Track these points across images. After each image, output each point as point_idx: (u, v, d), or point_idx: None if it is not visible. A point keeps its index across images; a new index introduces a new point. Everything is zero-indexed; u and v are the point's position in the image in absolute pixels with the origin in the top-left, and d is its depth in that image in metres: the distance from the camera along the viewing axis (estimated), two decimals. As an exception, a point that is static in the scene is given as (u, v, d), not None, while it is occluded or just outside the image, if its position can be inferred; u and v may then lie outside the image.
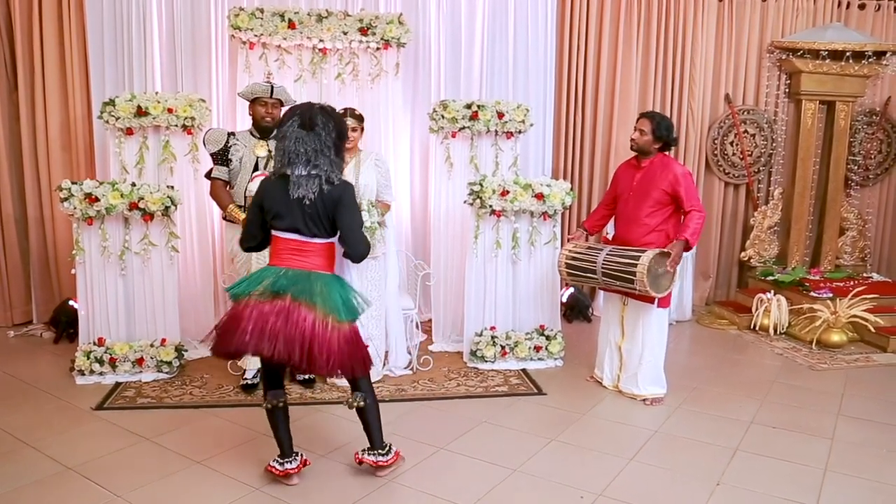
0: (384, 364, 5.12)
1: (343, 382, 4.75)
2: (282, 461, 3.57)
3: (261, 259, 4.62)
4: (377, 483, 3.61)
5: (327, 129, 3.43)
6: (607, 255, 4.62)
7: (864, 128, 7.73)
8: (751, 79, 7.45)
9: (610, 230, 5.18)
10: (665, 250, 4.49)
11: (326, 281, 3.42)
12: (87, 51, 5.89)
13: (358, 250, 3.47)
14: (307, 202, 3.38)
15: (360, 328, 3.58)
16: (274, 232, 3.49)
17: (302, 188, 3.38)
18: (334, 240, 3.52)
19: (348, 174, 4.69)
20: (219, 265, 6.02)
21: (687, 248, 4.56)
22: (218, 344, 3.41)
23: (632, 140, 4.72)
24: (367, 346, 3.57)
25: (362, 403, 3.59)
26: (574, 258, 4.79)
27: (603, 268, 4.61)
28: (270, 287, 3.35)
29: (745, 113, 7.39)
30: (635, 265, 4.41)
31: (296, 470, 3.58)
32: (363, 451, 3.70)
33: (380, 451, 3.66)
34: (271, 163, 4.69)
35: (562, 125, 7.00)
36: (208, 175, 4.87)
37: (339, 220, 3.44)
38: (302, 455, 3.64)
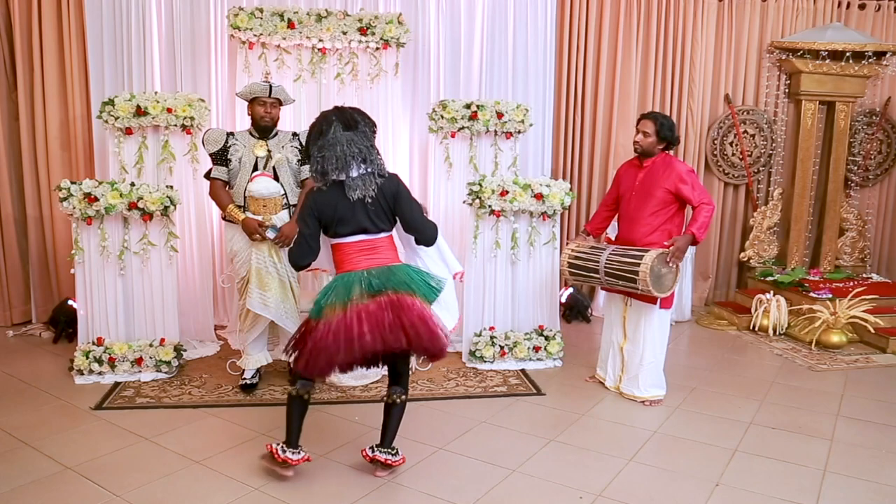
0: (382, 365, 5.10)
1: (343, 382, 4.78)
2: (285, 448, 3.56)
3: (260, 260, 4.62)
4: (376, 483, 3.61)
5: (370, 126, 3.61)
6: (610, 254, 4.62)
7: (864, 128, 7.73)
8: (750, 79, 7.45)
9: (612, 231, 5.17)
10: (668, 250, 4.49)
11: (405, 270, 3.57)
12: (86, 50, 5.89)
13: (428, 233, 3.68)
14: (369, 200, 3.51)
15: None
16: (336, 240, 3.59)
17: (360, 189, 3.51)
18: (394, 231, 3.67)
19: None
20: (218, 265, 6.03)
21: (694, 242, 4.56)
22: (321, 360, 3.40)
23: (635, 143, 4.70)
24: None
25: (402, 398, 3.67)
26: (577, 257, 4.79)
27: (606, 267, 4.61)
28: (366, 289, 3.44)
29: (745, 113, 7.39)
30: (638, 264, 4.41)
31: (295, 462, 3.55)
32: (372, 447, 3.69)
33: (390, 450, 3.67)
34: (270, 162, 4.69)
35: (561, 125, 7.00)
36: (207, 175, 4.87)
37: (401, 211, 3.62)
38: (305, 452, 3.63)
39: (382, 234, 3.60)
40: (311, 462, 3.71)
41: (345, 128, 3.50)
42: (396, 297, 3.43)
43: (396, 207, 3.60)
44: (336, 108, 3.63)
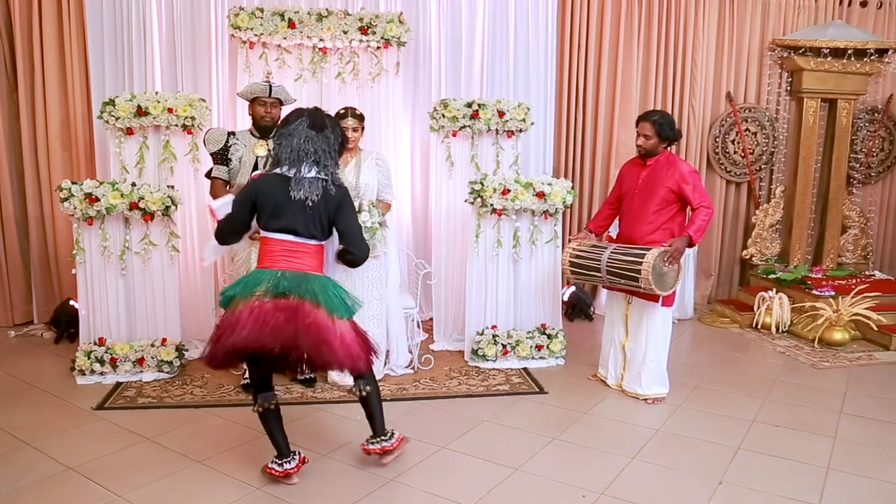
0: (385, 363, 5.11)
1: (345, 381, 4.77)
2: (280, 462, 3.56)
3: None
4: (379, 482, 3.60)
5: (335, 134, 3.54)
6: (612, 252, 4.61)
7: (866, 125, 7.71)
8: (752, 77, 7.44)
9: (613, 229, 5.17)
10: (668, 248, 4.48)
11: (323, 282, 3.45)
12: (87, 50, 5.89)
13: (363, 251, 3.55)
14: (310, 203, 3.42)
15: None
16: (266, 233, 3.49)
17: (304, 189, 3.41)
18: (325, 242, 3.55)
19: (349, 174, 4.69)
20: (219, 265, 6.01)
21: (690, 244, 4.55)
22: (213, 350, 3.39)
23: (639, 146, 4.68)
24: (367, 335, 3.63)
25: (368, 390, 3.64)
26: (578, 256, 4.78)
27: (607, 266, 4.60)
28: (272, 289, 3.35)
29: (747, 111, 7.38)
30: (640, 263, 4.40)
31: (295, 469, 3.57)
32: (368, 440, 3.70)
33: (383, 437, 3.68)
34: (270, 162, 4.67)
35: (563, 123, 6.99)
36: (208, 175, 4.87)
37: (341, 223, 3.51)
38: (300, 453, 3.64)
39: (311, 241, 3.47)
40: (313, 462, 3.71)
41: (310, 125, 3.45)
42: (298, 302, 3.32)
43: (337, 218, 3.50)
44: (315, 108, 3.61)
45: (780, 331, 6.47)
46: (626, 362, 4.90)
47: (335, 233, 3.57)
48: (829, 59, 7.01)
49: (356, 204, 4.15)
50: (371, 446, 3.68)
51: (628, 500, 3.49)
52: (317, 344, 3.30)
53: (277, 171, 3.48)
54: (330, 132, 3.50)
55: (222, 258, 5.31)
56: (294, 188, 3.42)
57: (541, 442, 4.12)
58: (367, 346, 3.53)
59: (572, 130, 7.05)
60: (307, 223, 3.44)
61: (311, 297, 3.34)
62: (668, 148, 4.72)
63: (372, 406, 3.67)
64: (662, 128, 4.61)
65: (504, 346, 5.38)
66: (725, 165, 7.44)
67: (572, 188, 5.38)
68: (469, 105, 5.56)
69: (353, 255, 3.52)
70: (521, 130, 5.76)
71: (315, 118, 3.49)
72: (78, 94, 6.04)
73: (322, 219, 3.47)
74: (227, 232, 3.60)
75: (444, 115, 5.53)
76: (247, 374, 4.80)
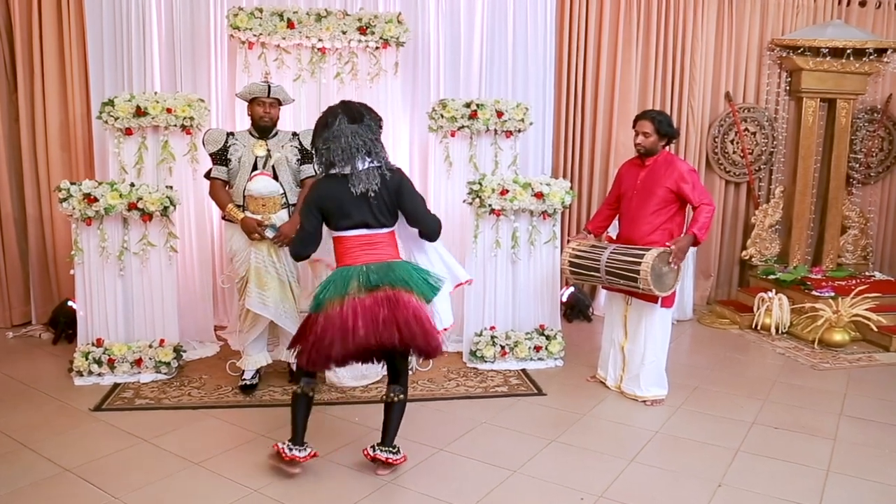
0: (382, 365, 5.09)
1: (343, 383, 4.77)
2: (291, 446, 3.57)
3: (260, 259, 4.61)
4: (376, 484, 3.59)
5: (374, 119, 3.61)
6: (611, 253, 4.60)
7: (866, 125, 7.71)
8: (751, 77, 7.43)
9: (613, 230, 5.17)
10: (669, 249, 4.47)
11: (405, 267, 3.57)
12: (86, 51, 5.89)
13: (433, 227, 3.68)
14: (372, 194, 3.49)
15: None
16: (337, 233, 3.59)
17: (363, 182, 3.49)
18: (396, 227, 3.65)
19: None
20: (218, 265, 6.02)
21: (695, 243, 4.54)
22: (320, 354, 3.42)
23: (638, 145, 4.67)
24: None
25: (401, 397, 3.66)
26: (578, 256, 4.78)
27: (607, 266, 4.59)
28: (364, 284, 3.44)
29: (746, 111, 7.38)
30: (639, 263, 4.39)
31: (302, 459, 3.57)
32: (373, 446, 3.68)
33: (391, 449, 3.67)
34: (270, 162, 4.67)
35: (561, 124, 6.98)
36: (207, 175, 4.86)
37: (405, 205, 3.61)
38: (312, 449, 3.64)
39: (384, 230, 3.59)
40: (312, 463, 3.69)
41: (350, 120, 3.50)
42: (393, 293, 3.42)
43: (400, 201, 3.59)
44: (342, 102, 3.64)
45: (780, 332, 6.46)
46: (624, 363, 4.89)
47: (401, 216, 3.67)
48: (828, 58, 7.00)
49: None
50: (377, 453, 3.65)
51: (627, 503, 3.48)
52: (418, 331, 3.41)
53: (333, 171, 3.53)
54: (369, 119, 3.57)
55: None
56: (353, 184, 3.48)
57: (539, 444, 4.11)
58: (440, 336, 3.61)
59: (571, 130, 7.04)
60: (375, 213, 3.53)
61: (402, 285, 3.46)
62: (667, 147, 4.72)
63: (394, 414, 3.68)
64: (661, 125, 4.61)
65: (502, 347, 5.37)
66: (725, 165, 7.43)
67: (571, 188, 5.38)
68: (468, 105, 5.55)
69: (425, 233, 3.67)
70: (519, 130, 5.76)
71: (351, 112, 3.54)
72: (77, 94, 6.03)
73: (387, 205, 3.56)
74: (302, 245, 3.66)
75: (442, 116, 5.52)
76: (245, 376, 4.82)
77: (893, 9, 7.69)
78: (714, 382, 5.21)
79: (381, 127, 3.65)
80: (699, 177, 4.71)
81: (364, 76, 5.83)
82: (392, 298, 3.41)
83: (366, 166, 3.50)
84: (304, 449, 3.60)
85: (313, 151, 3.65)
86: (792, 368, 5.58)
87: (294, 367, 4.93)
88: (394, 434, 3.69)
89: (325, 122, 3.54)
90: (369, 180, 3.48)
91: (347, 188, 3.50)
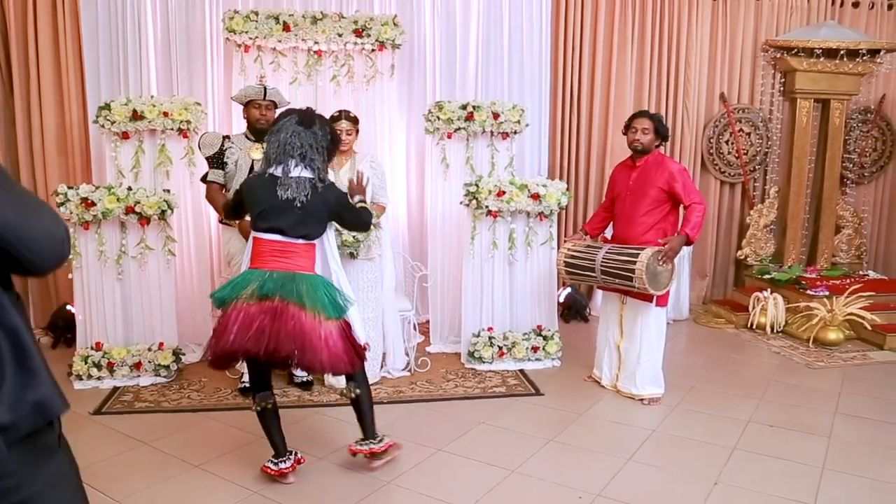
0: (382, 366, 5.12)
1: (341, 384, 4.78)
2: (276, 461, 3.59)
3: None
4: (375, 485, 3.61)
5: (324, 132, 3.53)
6: (606, 252, 4.63)
7: (859, 126, 7.76)
8: (745, 77, 7.47)
9: (609, 231, 5.19)
10: (663, 247, 4.51)
11: (311, 281, 3.43)
12: (82, 55, 5.88)
13: (358, 226, 3.86)
14: (298, 204, 3.42)
15: (354, 325, 3.61)
16: (255, 233, 3.52)
17: (292, 189, 3.42)
18: (317, 241, 3.56)
19: (343, 176, 4.70)
20: (216, 268, 6.03)
21: (688, 242, 4.57)
22: (210, 352, 3.45)
23: (636, 141, 4.67)
24: (359, 339, 3.59)
25: (357, 392, 3.64)
26: (573, 256, 4.80)
27: (602, 266, 4.62)
28: (258, 291, 3.35)
29: (741, 112, 7.41)
30: (634, 262, 4.42)
31: (290, 469, 3.59)
32: (356, 442, 3.72)
33: (372, 440, 3.69)
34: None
35: (557, 125, 7.01)
36: (204, 179, 4.87)
37: (340, 221, 3.69)
38: (296, 454, 3.66)
39: (300, 241, 3.46)
40: (311, 464, 3.72)
41: (298, 122, 3.47)
42: (281, 304, 3.31)
43: (337, 217, 3.64)
44: (307, 107, 3.64)
45: (775, 331, 6.49)
46: (621, 363, 4.91)
47: (328, 231, 3.63)
48: (821, 59, 7.04)
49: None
50: (358, 447, 3.70)
51: (624, 501, 3.51)
52: (301, 347, 3.29)
53: (269, 170, 3.50)
54: (318, 129, 3.50)
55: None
56: (281, 188, 3.42)
57: (537, 443, 4.14)
58: (354, 348, 3.50)
59: (567, 132, 7.07)
60: (295, 223, 3.44)
61: (295, 299, 3.34)
62: (660, 148, 4.76)
63: (362, 408, 3.68)
64: (660, 124, 4.69)
65: (500, 347, 5.40)
66: (720, 166, 7.46)
67: (567, 189, 5.40)
68: (464, 107, 5.58)
69: (354, 233, 3.84)
70: (515, 132, 5.78)
71: (304, 115, 3.51)
72: (74, 98, 6.02)
73: (313, 218, 3.47)
74: (230, 208, 3.84)
75: (438, 118, 5.54)
76: (244, 378, 4.84)
77: (886, 9, 7.74)
78: (710, 381, 5.24)
79: (331, 143, 3.58)
80: (690, 176, 4.74)
81: (360, 79, 5.85)
82: (277, 310, 3.29)
83: (297, 174, 3.44)
84: (289, 458, 3.62)
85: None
86: (787, 367, 5.61)
87: (291, 370, 4.97)
88: (370, 426, 3.70)
89: (279, 117, 3.56)
90: (298, 189, 3.41)
91: (275, 190, 3.43)
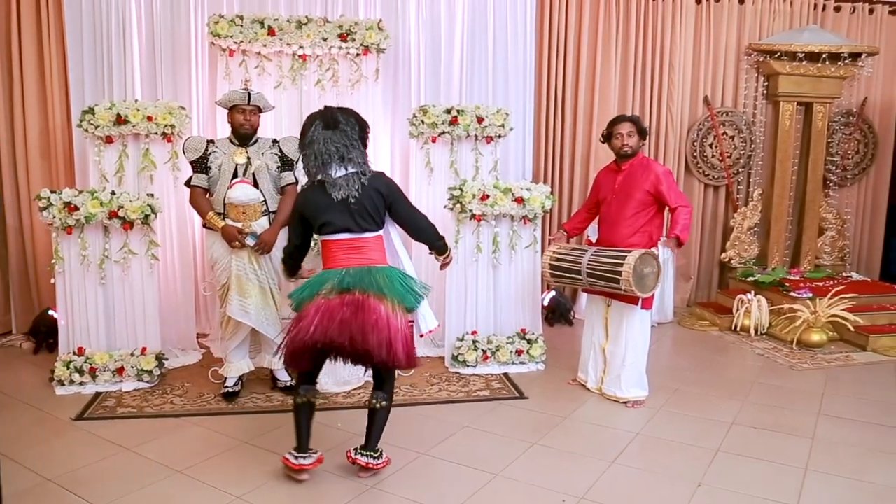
0: (366, 370, 5.09)
1: (327, 389, 4.77)
2: (297, 455, 3.61)
3: (240, 267, 4.61)
4: (358, 489, 3.60)
5: (350, 124, 3.59)
6: (592, 255, 4.64)
7: (842, 128, 7.81)
8: (729, 81, 7.51)
9: (593, 234, 5.21)
10: (651, 251, 4.53)
11: (387, 273, 3.55)
12: (66, 58, 5.85)
13: (427, 236, 3.79)
14: (352, 200, 3.51)
15: (424, 312, 3.73)
16: (322, 237, 3.61)
17: (343, 188, 3.51)
18: (383, 231, 3.67)
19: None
20: (199, 273, 6.00)
21: (679, 244, 4.60)
22: (287, 350, 3.51)
23: (625, 146, 4.69)
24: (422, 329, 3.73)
25: (383, 404, 3.67)
26: (558, 259, 4.81)
27: (588, 268, 4.63)
28: (337, 287, 3.45)
29: (724, 115, 7.45)
30: (621, 265, 4.43)
31: (310, 466, 3.62)
32: (356, 449, 3.70)
33: (373, 453, 3.69)
34: (250, 169, 4.67)
35: (542, 129, 7.03)
36: (188, 183, 4.85)
37: (395, 213, 3.68)
38: (318, 453, 3.68)
39: (367, 234, 3.59)
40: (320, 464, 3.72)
41: (324, 127, 3.52)
42: (362, 297, 3.41)
43: (390, 208, 3.66)
44: (324, 107, 3.66)
45: (759, 333, 6.52)
46: (605, 365, 4.92)
47: (390, 224, 3.72)
48: (804, 63, 7.10)
49: None
50: (358, 457, 3.67)
51: (608, 504, 3.52)
52: (378, 339, 3.37)
53: (316, 179, 3.56)
54: (345, 125, 3.56)
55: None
56: (333, 189, 3.51)
57: (521, 447, 4.14)
58: (414, 349, 3.58)
59: (551, 135, 7.09)
60: (356, 219, 3.54)
61: (375, 291, 3.44)
62: (642, 146, 4.80)
63: (378, 420, 3.69)
64: (639, 122, 4.77)
65: (484, 351, 5.39)
66: (703, 169, 7.50)
67: (551, 193, 5.41)
68: (448, 111, 5.59)
69: (414, 232, 3.77)
70: (500, 136, 5.80)
71: (326, 118, 3.56)
72: (57, 102, 6.00)
73: (369, 210, 3.56)
74: (288, 254, 3.77)
75: (423, 122, 5.55)
76: (227, 384, 4.82)
77: (867, 14, 7.80)
78: (694, 384, 5.26)
79: (364, 131, 3.67)
80: (674, 178, 4.78)
81: (345, 83, 5.84)
82: (358, 302, 3.40)
83: (342, 173, 3.52)
84: (310, 456, 3.64)
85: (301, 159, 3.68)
86: (771, 369, 5.64)
87: (275, 374, 4.97)
88: (376, 439, 3.71)
89: (304, 129, 3.59)
90: (349, 186, 3.51)
91: (328, 194, 3.52)
